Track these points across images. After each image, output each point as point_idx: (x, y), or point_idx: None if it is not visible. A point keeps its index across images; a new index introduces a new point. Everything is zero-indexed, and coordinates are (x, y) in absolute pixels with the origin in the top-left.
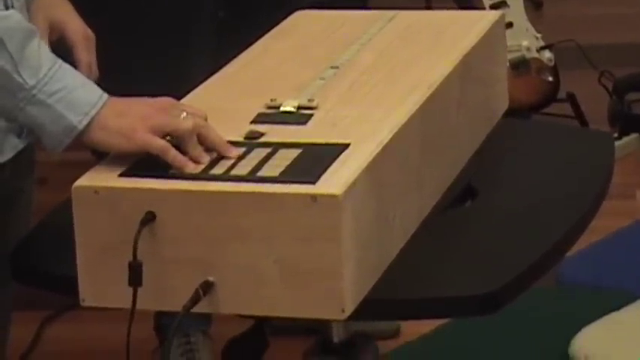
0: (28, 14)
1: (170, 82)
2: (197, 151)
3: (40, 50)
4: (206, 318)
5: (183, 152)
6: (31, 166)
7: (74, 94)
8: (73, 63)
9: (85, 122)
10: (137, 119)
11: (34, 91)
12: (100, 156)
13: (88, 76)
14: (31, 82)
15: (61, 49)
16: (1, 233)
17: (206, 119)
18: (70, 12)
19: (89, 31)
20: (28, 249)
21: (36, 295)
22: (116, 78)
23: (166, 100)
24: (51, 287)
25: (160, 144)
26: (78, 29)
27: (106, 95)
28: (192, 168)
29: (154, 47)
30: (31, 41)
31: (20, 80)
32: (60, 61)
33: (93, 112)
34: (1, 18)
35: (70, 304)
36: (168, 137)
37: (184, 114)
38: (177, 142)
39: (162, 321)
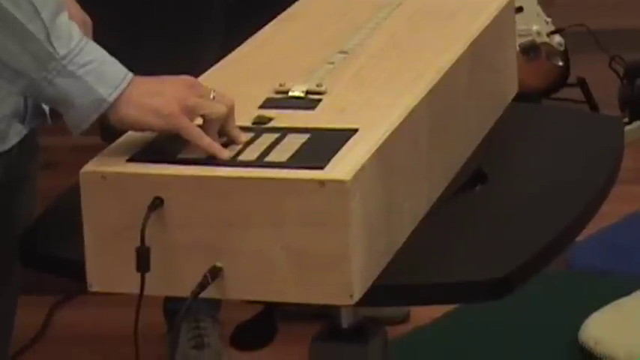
0: None
1: (180, 67)
2: (216, 137)
3: (70, 22)
4: (215, 303)
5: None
6: (35, 150)
7: (104, 67)
8: None
9: (114, 95)
10: (172, 99)
11: (65, 62)
12: (110, 141)
13: None
14: (62, 52)
15: None
16: (6, 218)
17: (233, 104)
18: (71, 1)
19: (87, 17)
20: (37, 234)
21: (45, 279)
22: (126, 63)
23: (191, 79)
24: (59, 272)
25: (195, 131)
26: (76, 14)
27: (131, 73)
28: (226, 156)
29: (164, 32)
30: (62, 12)
31: (51, 49)
32: (86, 37)
33: (122, 86)
34: None
35: (80, 289)
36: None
37: (212, 93)
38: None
39: (171, 306)
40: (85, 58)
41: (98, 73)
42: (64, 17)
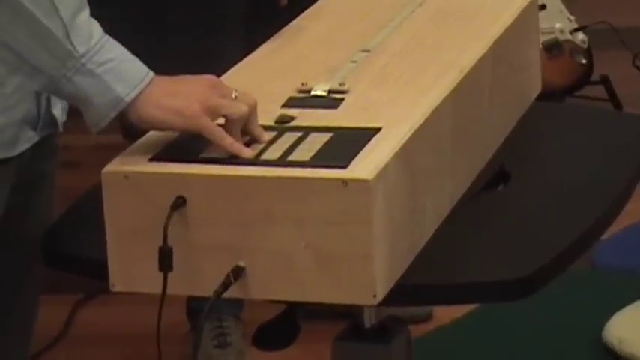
0: None
1: (203, 65)
2: (238, 136)
3: (91, 21)
4: (238, 302)
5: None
6: (52, 152)
7: (123, 66)
8: None
9: (132, 95)
10: (193, 100)
11: (84, 60)
12: (132, 140)
13: None
14: (81, 50)
15: None
16: (22, 218)
17: (256, 103)
18: None
19: None
20: (59, 233)
21: (68, 278)
22: (148, 61)
23: (213, 78)
24: (82, 271)
25: (217, 131)
26: None
27: (152, 72)
28: (249, 155)
29: (186, 29)
30: (83, 10)
31: (70, 48)
32: (107, 35)
33: (142, 86)
34: None
35: (102, 288)
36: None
37: (234, 94)
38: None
39: (194, 305)
40: (104, 57)
41: (117, 72)
42: (84, 15)
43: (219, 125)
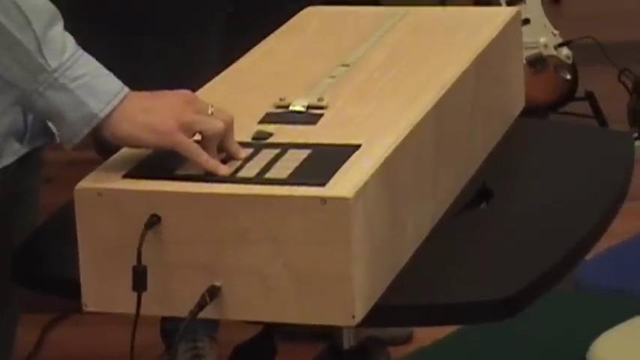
0: None
1: (179, 79)
2: (214, 153)
3: (65, 35)
4: (213, 323)
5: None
6: (38, 166)
7: (96, 82)
8: None
9: (106, 111)
10: (168, 116)
11: (56, 75)
12: (105, 156)
13: None
14: (53, 64)
15: None
16: (6, 232)
17: (232, 120)
18: None
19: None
20: (30, 251)
21: (40, 297)
22: (124, 75)
23: (189, 94)
24: (53, 291)
25: (192, 147)
26: None
27: (127, 88)
28: (225, 172)
29: (162, 43)
30: (57, 24)
31: (42, 61)
32: (82, 50)
33: (115, 102)
34: None
35: (75, 307)
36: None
37: (210, 110)
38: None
39: (169, 326)
40: (77, 72)
41: (90, 87)
42: (57, 29)
43: (196, 142)
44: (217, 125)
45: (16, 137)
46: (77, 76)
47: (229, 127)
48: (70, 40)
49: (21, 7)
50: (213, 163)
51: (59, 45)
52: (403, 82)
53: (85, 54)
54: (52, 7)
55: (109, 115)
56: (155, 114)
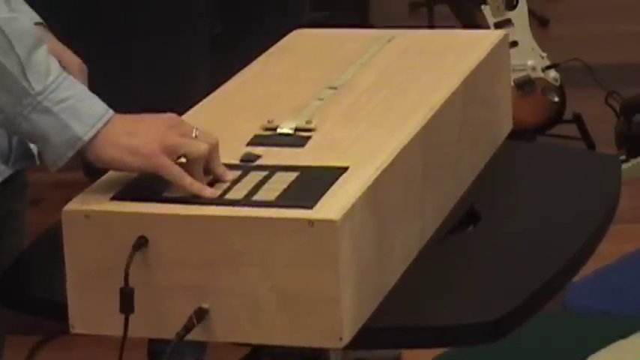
0: None
1: (166, 101)
2: (200, 175)
3: (49, 58)
4: (201, 345)
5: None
6: (22, 188)
7: (81, 105)
8: None
9: (90, 134)
10: (151, 139)
11: (40, 98)
12: (93, 177)
13: None
14: (37, 87)
15: None
16: None
17: (217, 142)
18: (63, 46)
19: (83, 64)
20: (17, 273)
21: (26, 320)
22: (111, 96)
23: (173, 117)
24: (40, 313)
25: (175, 170)
26: (74, 61)
27: (112, 111)
28: (209, 194)
29: (149, 63)
30: (40, 47)
31: (26, 85)
32: (66, 72)
33: (99, 125)
34: (10, 19)
35: (62, 329)
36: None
37: (195, 132)
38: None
39: (156, 347)
40: (61, 95)
41: (75, 111)
42: (42, 52)
43: (181, 165)
44: (201, 148)
45: (2, 159)
46: (61, 99)
47: (214, 150)
48: (54, 63)
49: (5, 32)
50: (197, 186)
51: (43, 68)
52: (391, 104)
53: (70, 77)
54: (35, 30)
55: (93, 138)
56: (138, 137)
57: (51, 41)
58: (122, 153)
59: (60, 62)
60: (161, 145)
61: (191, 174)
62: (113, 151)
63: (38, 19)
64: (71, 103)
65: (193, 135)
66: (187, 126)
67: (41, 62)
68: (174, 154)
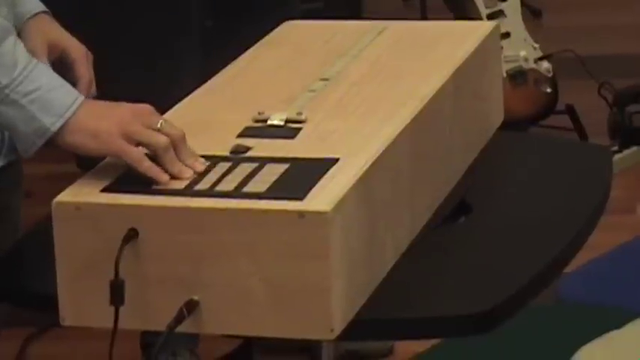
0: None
1: (157, 93)
2: (176, 166)
3: (16, 48)
4: (193, 336)
5: (162, 166)
6: (18, 181)
7: (49, 95)
8: (72, 80)
9: (58, 125)
10: (113, 123)
11: (7, 91)
12: (86, 169)
13: (88, 94)
14: (4, 80)
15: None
16: None
17: (183, 135)
18: (67, 34)
19: (89, 52)
20: (9, 265)
21: (18, 312)
22: (102, 89)
23: (145, 107)
24: (31, 305)
25: (133, 153)
26: (79, 48)
27: (82, 97)
28: (166, 179)
29: (140, 57)
30: (7, 39)
31: None
32: (36, 60)
33: (67, 115)
34: None
35: (53, 322)
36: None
37: (160, 124)
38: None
39: (148, 339)
40: (29, 87)
41: (43, 102)
42: (8, 44)
43: (147, 155)
44: (160, 140)
45: None
46: (29, 90)
47: (179, 142)
48: (21, 53)
49: None
50: (154, 170)
51: (10, 61)
52: (382, 96)
53: (40, 65)
54: (3, 21)
55: (61, 127)
56: (103, 121)
57: (55, 29)
58: (85, 137)
59: (64, 51)
60: (121, 130)
61: (163, 165)
62: (77, 136)
63: (43, 7)
64: (40, 94)
65: (157, 126)
66: (154, 117)
67: (8, 54)
68: (131, 141)
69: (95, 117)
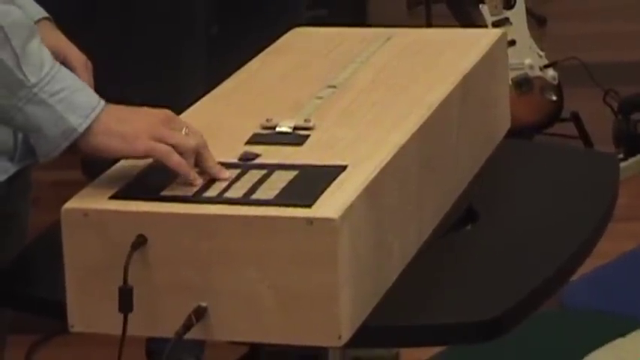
0: None
1: (162, 99)
2: (192, 172)
3: (42, 49)
4: (200, 343)
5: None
6: (27, 188)
7: (75, 96)
8: None
9: (85, 125)
10: (140, 127)
11: (36, 90)
12: (92, 176)
13: None
14: (33, 79)
15: None
16: None
17: (205, 141)
18: (68, 42)
19: (88, 61)
20: (16, 272)
21: (25, 318)
22: (107, 95)
23: (167, 112)
24: (39, 312)
25: (163, 149)
26: (80, 56)
27: (103, 101)
28: (194, 177)
29: (146, 65)
30: (34, 39)
31: (22, 77)
32: (59, 63)
33: (93, 116)
34: (4, 12)
35: (60, 329)
36: None
37: (185, 129)
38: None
39: (154, 346)
40: (56, 86)
41: (69, 102)
42: (35, 44)
43: None
44: (189, 142)
45: (7, 156)
46: (56, 90)
47: (203, 147)
48: (47, 54)
49: (0, 24)
50: (185, 166)
51: (37, 60)
52: (389, 103)
53: (63, 68)
54: (29, 22)
55: (87, 129)
56: (129, 124)
57: (57, 36)
58: (111, 139)
59: (65, 58)
60: (150, 132)
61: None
62: (102, 138)
63: (44, 13)
64: (66, 95)
65: (183, 132)
66: (179, 122)
67: (35, 54)
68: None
69: (119, 120)
